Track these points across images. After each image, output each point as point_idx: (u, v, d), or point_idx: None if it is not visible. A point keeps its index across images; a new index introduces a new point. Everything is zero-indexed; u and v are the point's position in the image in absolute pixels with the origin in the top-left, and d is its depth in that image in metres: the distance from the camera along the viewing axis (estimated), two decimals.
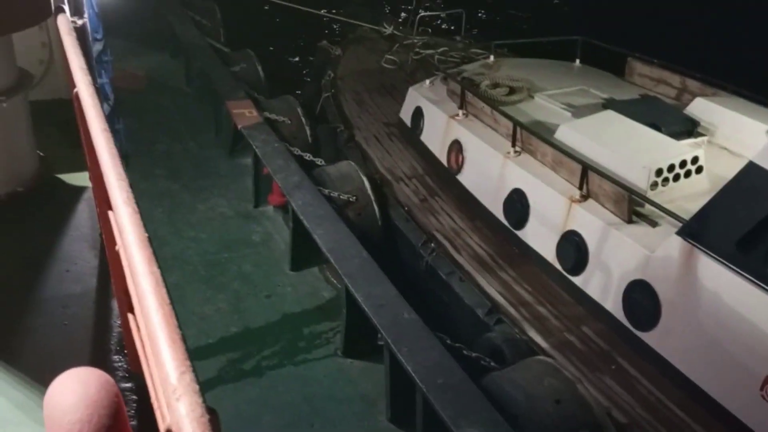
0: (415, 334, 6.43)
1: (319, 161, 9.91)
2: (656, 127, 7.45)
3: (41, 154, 5.84)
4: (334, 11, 15.16)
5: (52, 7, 5.50)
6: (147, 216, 2.21)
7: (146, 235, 1.90)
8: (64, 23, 4.94)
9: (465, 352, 6.56)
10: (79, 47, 4.20)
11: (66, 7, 5.63)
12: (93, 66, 7.25)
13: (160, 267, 1.83)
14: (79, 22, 6.36)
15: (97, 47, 8.43)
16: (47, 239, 4.69)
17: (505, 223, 7.88)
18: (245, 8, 16.41)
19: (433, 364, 6.02)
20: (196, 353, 7.56)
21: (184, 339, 1.45)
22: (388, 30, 13.46)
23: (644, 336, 6.23)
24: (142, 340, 2.20)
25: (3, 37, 5.23)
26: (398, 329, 6.48)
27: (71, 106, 3.96)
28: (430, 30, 13.83)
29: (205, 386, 7.12)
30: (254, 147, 10.10)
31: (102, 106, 3.30)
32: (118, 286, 2.82)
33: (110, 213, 2.71)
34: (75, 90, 3.51)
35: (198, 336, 7.97)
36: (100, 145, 2.53)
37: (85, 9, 7.18)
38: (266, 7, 13.80)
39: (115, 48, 10.76)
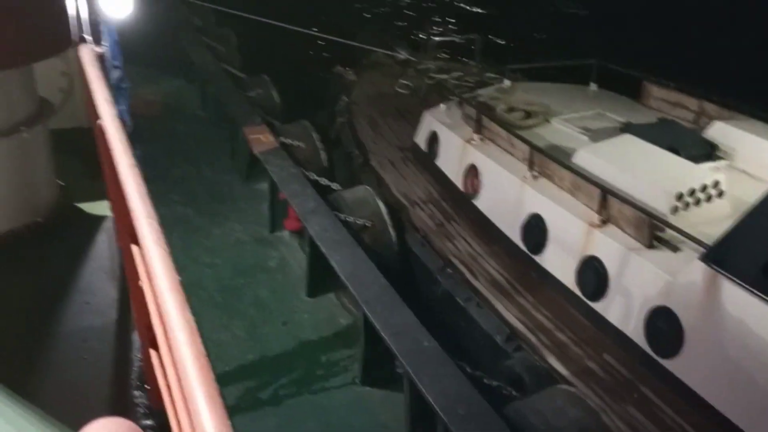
0: (435, 362, 6.34)
1: (335, 186, 9.89)
2: (675, 150, 7.38)
3: (60, 183, 5.84)
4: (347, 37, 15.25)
5: (72, 37, 5.53)
6: None
7: (179, 278, 1.85)
8: (88, 54, 4.96)
9: (486, 380, 6.46)
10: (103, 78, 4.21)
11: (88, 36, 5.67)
12: (113, 94, 7.27)
13: None
14: (99, 50, 6.40)
15: (115, 75, 8.48)
16: (66, 270, 4.66)
17: (523, 248, 7.80)
18: (260, 34, 16.52)
19: (454, 393, 5.92)
20: None
21: (222, 395, 1.41)
22: (403, 55, 13.50)
23: (667, 363, 6.11)
24: (167, 380, 2.16)
25: (24, 67, 5.25)
26: (418, 357, 6.39)
27: (91, 135, 3.95)
28: (444, 55, 13.85)
29: None
30: (270, 172, 10.11)
31: None
32: (141, 321, 2.79)
33: (134, 247, 2.68)
34: (98, 121, 3.50)
35: (214, 363, 7.68)
36: (128, 180, 2.51)
37: (105, 37, 7.23)
38: (277, 32, 13.89)
39: (131, 74, 10.84)
